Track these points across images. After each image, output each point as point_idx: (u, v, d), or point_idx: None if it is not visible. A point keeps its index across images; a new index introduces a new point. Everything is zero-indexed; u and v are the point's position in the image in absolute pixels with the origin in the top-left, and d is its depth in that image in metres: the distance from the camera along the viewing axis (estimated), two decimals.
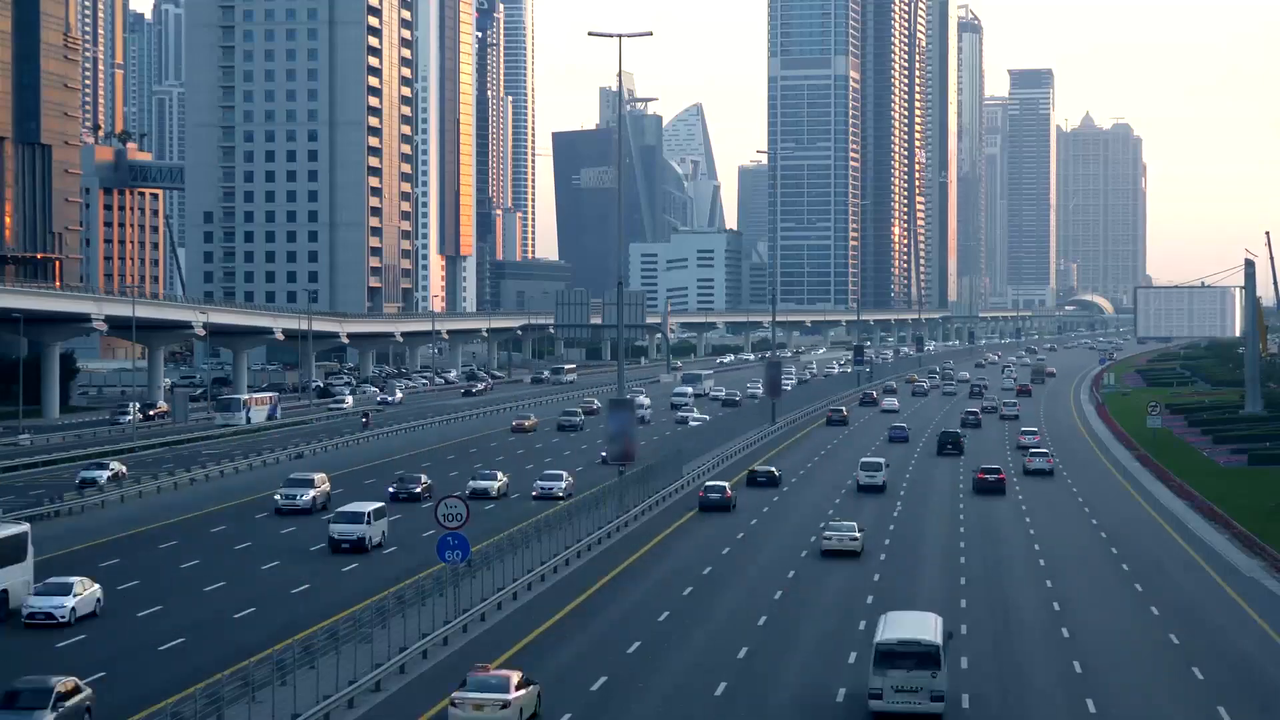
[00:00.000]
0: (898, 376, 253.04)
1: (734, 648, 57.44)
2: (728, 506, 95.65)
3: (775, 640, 59.34)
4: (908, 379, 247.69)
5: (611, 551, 79.37)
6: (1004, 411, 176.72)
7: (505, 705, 45.08)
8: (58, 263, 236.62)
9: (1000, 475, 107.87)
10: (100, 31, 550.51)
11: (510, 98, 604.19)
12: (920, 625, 51.51)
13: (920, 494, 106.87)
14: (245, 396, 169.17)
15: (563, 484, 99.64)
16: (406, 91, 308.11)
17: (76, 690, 45.74)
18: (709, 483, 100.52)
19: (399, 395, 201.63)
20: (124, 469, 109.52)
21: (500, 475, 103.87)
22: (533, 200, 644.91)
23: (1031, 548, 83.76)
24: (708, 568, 75.21)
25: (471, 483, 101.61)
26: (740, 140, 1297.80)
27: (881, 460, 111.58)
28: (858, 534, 79.95)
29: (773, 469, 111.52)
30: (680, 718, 48.99)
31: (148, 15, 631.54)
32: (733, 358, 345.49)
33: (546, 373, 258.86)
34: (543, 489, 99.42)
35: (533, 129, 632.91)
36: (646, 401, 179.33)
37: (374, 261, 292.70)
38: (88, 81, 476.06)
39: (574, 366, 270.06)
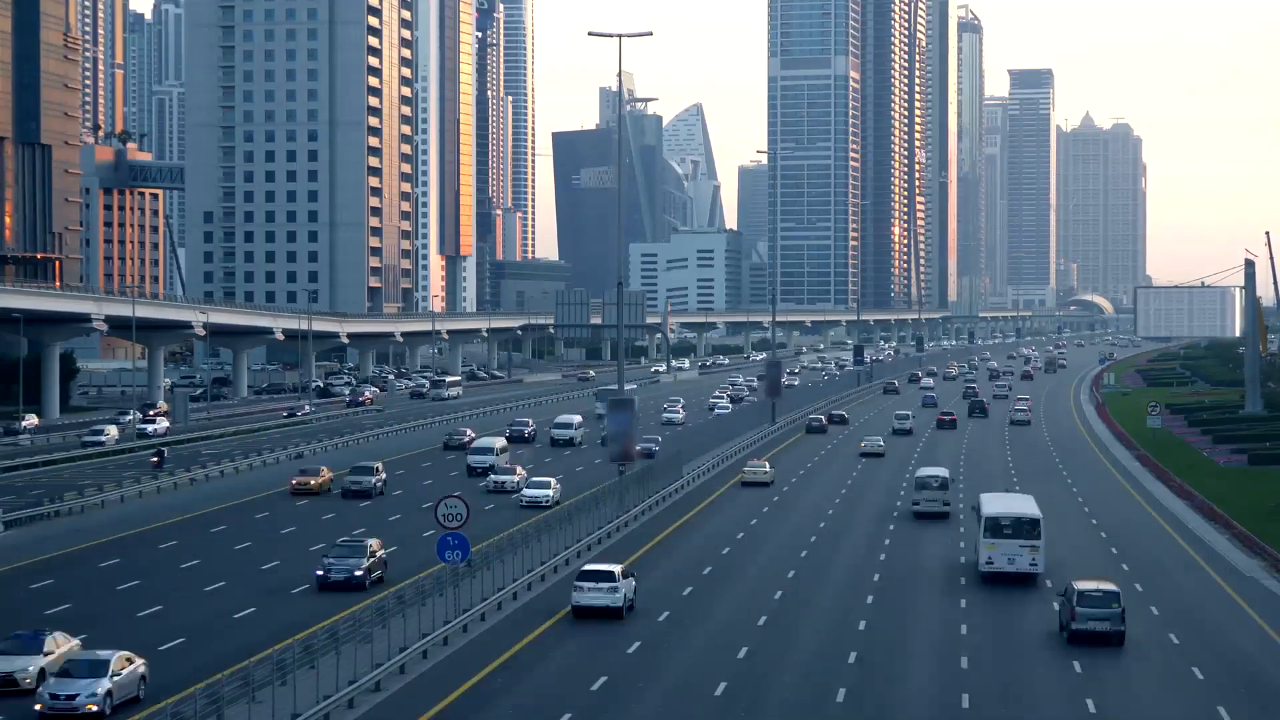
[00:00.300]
0: (937, 365, 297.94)
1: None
2: (824, 430, 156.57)
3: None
4: (947, 365, 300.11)
5: (612, 551, 79.32)
6: (995, 392, 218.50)
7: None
8: (58, 263, 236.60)
9: (953, 416, 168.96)
10: (100, 31, 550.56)
11: (510, 98, 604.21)
12: (939, 470, 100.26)
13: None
14: None
15: (99, 691, 47.18)
16: (406, 91, 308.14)
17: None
18: (811, 415, 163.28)
19: (162, 425, 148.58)
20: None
21: (58, 641, 52.10)
22: (533, 200, 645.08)
23: None
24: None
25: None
26: (740, 140, 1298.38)
27: (909, 413, 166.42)
28: (882, 442, 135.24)
29: (844, 413, 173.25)
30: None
31: (148, 15, 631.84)
32: (680, 362, 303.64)
33: (426, 385, 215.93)
34: (56, 704, 47.25)
35: (533, 129, 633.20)
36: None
37: (374, 261, 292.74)
38: (88, 81, 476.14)
39: (459, 379, 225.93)
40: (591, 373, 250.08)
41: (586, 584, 61.69)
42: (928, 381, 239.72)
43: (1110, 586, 60.75)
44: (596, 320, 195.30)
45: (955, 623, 63.55)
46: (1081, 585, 60.77)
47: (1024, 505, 76.95)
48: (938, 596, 69.33)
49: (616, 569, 62.83)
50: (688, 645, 58.43)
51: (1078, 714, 50.31)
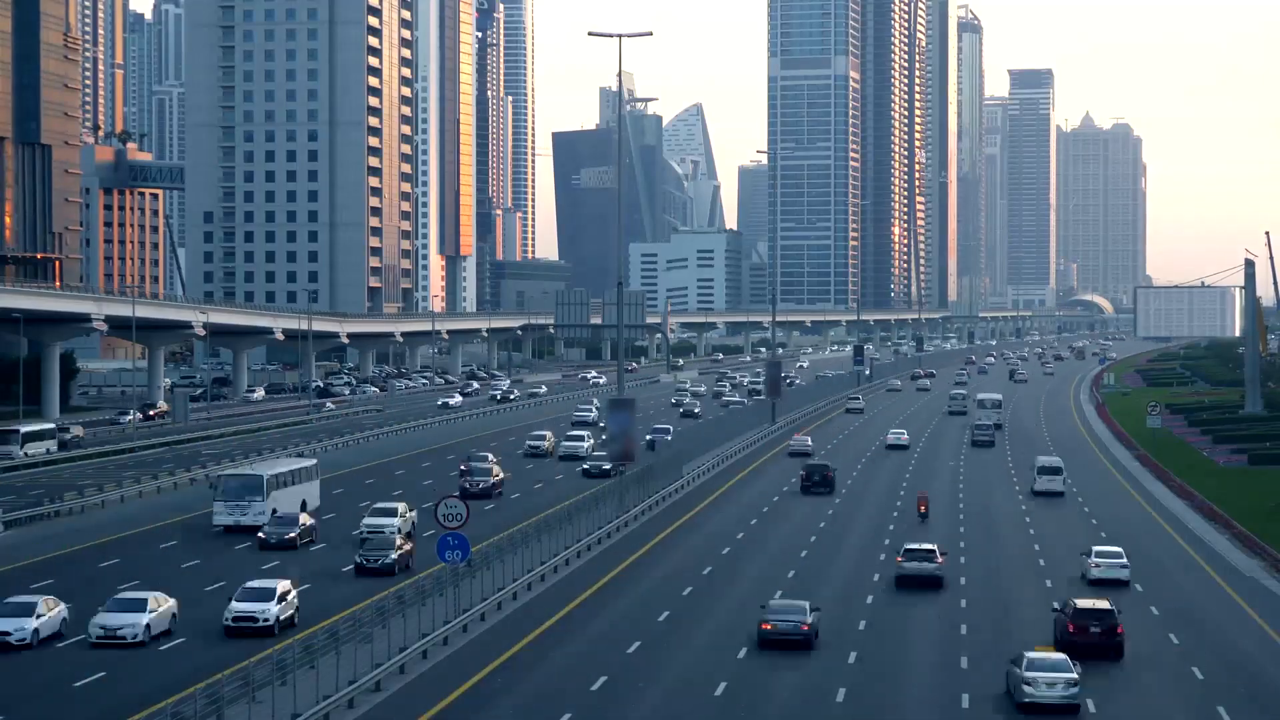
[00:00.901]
0: (955, 362, 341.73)
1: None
2: (918, 379, 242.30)
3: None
4: (1003, 353, 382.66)
5: (612, 551, 79.35)
6: (1017, 374, 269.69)
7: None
8: (58, 263, 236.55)
9: (940, 377, 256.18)
10: (100, 31, 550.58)
11: (510, 98, 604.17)
12: (961, 389, 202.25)
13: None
14: None
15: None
16: (406, 91, 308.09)
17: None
18: (915, 370, 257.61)
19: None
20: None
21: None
22: (533, 200, 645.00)
23: (1031, 548, 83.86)
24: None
25: None
26: (740, 140, 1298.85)
27: (965, 372, 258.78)
28: (928, 381, 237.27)
29: (933, 371, 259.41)
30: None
31: (148, 15, 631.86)
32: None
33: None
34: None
35: (533, 129, 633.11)
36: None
37: (374, 261, 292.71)
38: (88, 81, 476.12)
39: (48, 428, 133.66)
40: (598, 375, 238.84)
41: None
42: (989, 358, 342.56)
43: (988, 422, 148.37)
44: (596, 320, 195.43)
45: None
46: (976, 422, 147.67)
47: (995, 394, 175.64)
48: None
49: None
50: (688, 645, 58.43)
51: (1077, 714, 50.36)
